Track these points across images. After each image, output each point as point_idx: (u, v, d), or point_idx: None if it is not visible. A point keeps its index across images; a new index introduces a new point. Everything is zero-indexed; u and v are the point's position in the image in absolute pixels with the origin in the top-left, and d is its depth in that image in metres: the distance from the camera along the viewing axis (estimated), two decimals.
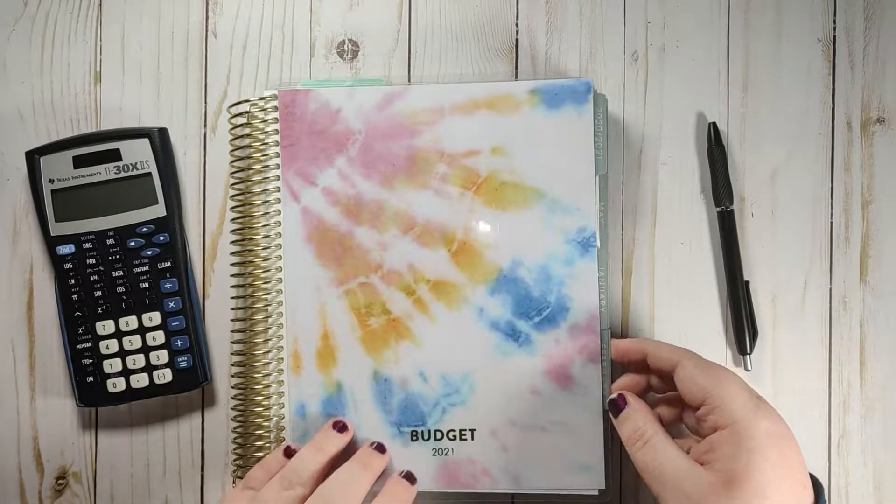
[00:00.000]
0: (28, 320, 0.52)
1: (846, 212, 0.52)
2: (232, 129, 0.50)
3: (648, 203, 0.52)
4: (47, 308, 0.52)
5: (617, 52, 0.52)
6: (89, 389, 0.50)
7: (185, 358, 0.50)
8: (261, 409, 0.49)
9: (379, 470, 0.47)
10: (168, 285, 0.50)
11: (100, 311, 0.50)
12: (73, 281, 0.50)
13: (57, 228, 0.50)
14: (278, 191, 0.50)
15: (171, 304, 0.50)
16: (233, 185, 0.51)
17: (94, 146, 0.50)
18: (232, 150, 0.50)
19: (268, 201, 0.50)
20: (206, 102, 0.52)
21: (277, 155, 0.50)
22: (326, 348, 0.49)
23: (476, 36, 0.52)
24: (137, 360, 0.50)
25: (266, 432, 0.49)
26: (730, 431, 0.40)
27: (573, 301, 0.48)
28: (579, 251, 0.48)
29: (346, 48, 0.53)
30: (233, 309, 0.50)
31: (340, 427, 0.48)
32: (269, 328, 0.49)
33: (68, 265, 0.50)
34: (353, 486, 0.45)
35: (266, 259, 0.50)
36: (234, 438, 0.50)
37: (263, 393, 0.49)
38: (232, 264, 0.50)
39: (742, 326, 0.50)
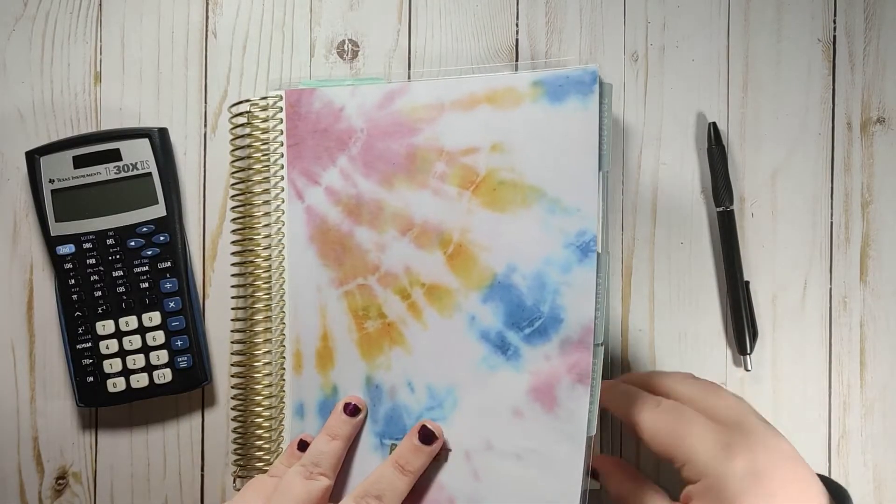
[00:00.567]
0: (28, 320, 0.52)
1: (846, 212, 0.52)
2: (232, 129, 0.50)
3: (648, 203, 0.52)
4: (47, 308, 0.52)
5: (617, 53, 0.52)
6: (89, 389, 0.50)
7: (185, 358, 0.50)
8: (261, 409, 0.49)
9: (419, 472, 0.45)
10: (168, 285, 0.50)
11: (100, 311, 0.50)
12: (73, 281, 0.50)
13: (57, 228, 0.50)
14: (281, 190, 0.50)
15: (171, 304, 0.50)
16: (233, 185, 0.51)
17: (94, 146, 0.50)
18: (232, 150, 0.50)
19: (269, 201, 0.50)
20: (206, 102, 0.52)
21: (280, 155, 0.50)
22: (325, 349, 0.49)
23: (476, 36, 0.52)
24: (137, 360, 0.50)
25: (266, 432, 0.49)
26: (704, 485, 0.38)
27: (567, 312, 0.44)
28: (578, 256, 0.44)
29: (346, 48, 0.53)
30: (233, 309, 0.50)
31: (352, 410, 0.46)
32: (270, 328, 0.49)
33: (68, 265, 0.50)
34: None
35: (267, 259, 0.50)
36: (235, 438, 0.50)
37: (263, 393, 0.49)
38: (232, 264, 0.50)
39: (742, 326, 0.50)
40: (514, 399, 0.44)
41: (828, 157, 0.52)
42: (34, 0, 0.52)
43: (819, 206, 0.52)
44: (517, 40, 0.52)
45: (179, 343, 0.50)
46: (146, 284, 0.50)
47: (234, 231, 0.50)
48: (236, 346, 0.50)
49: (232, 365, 0.50)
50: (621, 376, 0.49)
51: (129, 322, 0.50)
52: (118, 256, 0.50)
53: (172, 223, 0.50)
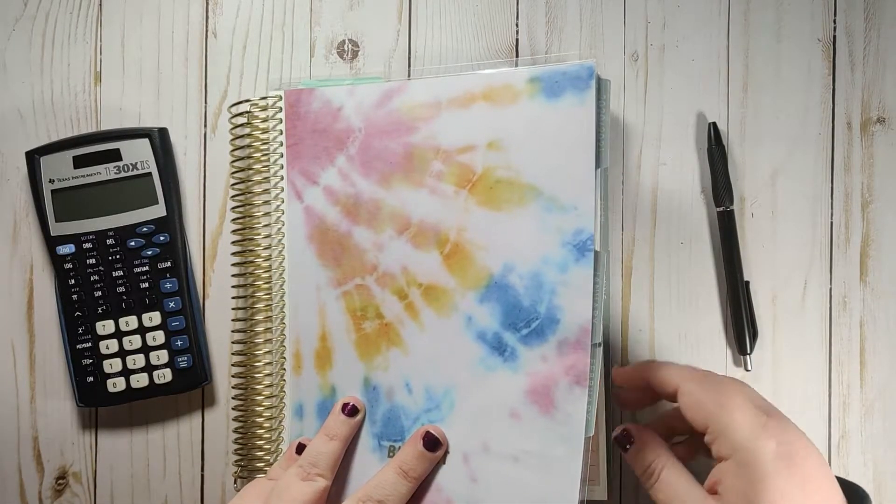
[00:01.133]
0: (28, 320, 0.52)
1: (846, 212, 0.52)
2: (232, 129, 0.50)
3: (648, 203, 0.52)
4: (47, 308, 0.52)
5: (617, 52, 0.52)
6: (89, 389, 0.50)
7: (185, 358, 0.50)
8: (261, 409, 0.49)
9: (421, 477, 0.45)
10: (168, 285, 0.50)
11: (100, 311, 0.50)
12: (73, 281, 0.50)
13: (57, 228, 0.50)
14: (280, 190, 0.50)
15: (171, 304, 0.50)
16: (233, 185, 0.51)
17: (94, 146, 0.50)
18: (232, 150, 0.50)
19: (269, 201, 0.50)
20: (206, 102, 0.52)
21: (279, 155, 0.50)
22: (324, 350, 0.48)
23: (476, 36, 0.52)
24: (137, 360, 0.50)
25: (266, 432, 0.49)
26: (734, 462, 0.38)
27: (564, 312, 0.43)
28: (575, 256, 0.43)
29: (346, 48, 0.53)
30: (233, 309, 0.50)
31: (350, 410, 0.46)
32: (270, 328, 0.49)
33: (68, 265, 0.50)
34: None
35: (267, 259, 0.50)
36: (235, 439, 0.50)
37: (264, 393, 0.49)
38: (233, 264, 0.50)
39: (742, 326, 0.50)
40: (512, 401, 0.44)
41: (828, 157, 0.52)
42: (34, 0, 0.52)
43: (819, 206, 0.52)
44: (517, 40, 0.52)
45: (179, 343, 0.50)
46: (146, 284, 0.50)
47: (234, 231, 0.50)
48: (237, 346, 0.50)
49: (232, 365, 0.50)
50: (616, 367, 0.49)
51: (129, 322, 0.50)
52: (118, 256, 0.50)
53: (172, 223, 0.50)
